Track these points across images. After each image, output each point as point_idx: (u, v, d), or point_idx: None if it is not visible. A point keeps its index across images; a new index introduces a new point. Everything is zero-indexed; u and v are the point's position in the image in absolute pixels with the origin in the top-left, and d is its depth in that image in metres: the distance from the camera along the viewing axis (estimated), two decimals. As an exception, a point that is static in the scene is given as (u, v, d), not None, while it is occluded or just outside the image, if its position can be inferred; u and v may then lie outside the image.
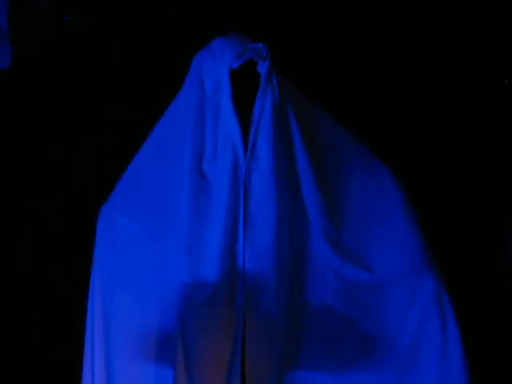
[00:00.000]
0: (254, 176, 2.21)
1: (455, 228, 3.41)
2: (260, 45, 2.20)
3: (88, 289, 2.45)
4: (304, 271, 2.27)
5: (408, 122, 3.44)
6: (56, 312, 3.41)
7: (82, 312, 2.49)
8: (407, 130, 3.43)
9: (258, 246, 2.21)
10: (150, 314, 2.29)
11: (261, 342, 2.22)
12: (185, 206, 2.22)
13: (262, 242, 2.21)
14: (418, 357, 2.28)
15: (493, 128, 3.46)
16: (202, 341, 2.20)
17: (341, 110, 2.53)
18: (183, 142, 2.24)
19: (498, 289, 3.38)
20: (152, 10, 3.45)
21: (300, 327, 2.28)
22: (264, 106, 2.20)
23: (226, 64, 2.18)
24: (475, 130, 3.46)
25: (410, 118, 3.44)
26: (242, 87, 2.20)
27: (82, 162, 3.44)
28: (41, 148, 3.44)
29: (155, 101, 2.58)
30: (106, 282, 2.35)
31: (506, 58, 3.43)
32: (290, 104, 2.25)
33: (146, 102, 3.30)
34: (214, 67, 2.21)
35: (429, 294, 2.26)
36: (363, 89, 3.43)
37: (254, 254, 2.21)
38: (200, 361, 2.20)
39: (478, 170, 3.46)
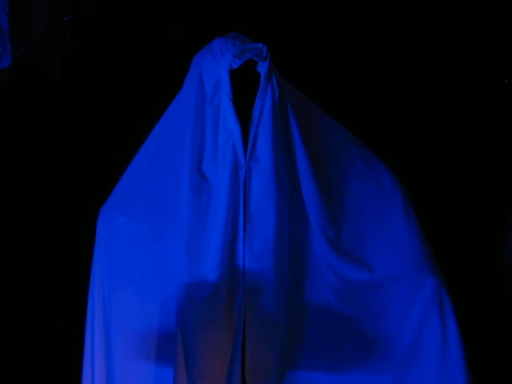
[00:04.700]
0: (254, 176, 2.21)
1: (455, 227, 3.42)
2: (260, 45, 2.20)
3: (88, 288, 2.45)
4: (304, 271, 2.27)
5: (408, 122, 3.44)
6: (56, 312, 3.41)
7: (82, 312, 2.49)
8: (407, 130, 3.43)
9: (257, 245, 2.21)
10: (150, 314, 2.29)
11: (261, 341, 2.22)
12: (185, 206, 2.22)
13: (262, 241, 2.21)
14: (417, 356, 2.28)
15: (493, 128, 3.46)
16: (202, 340, 2.20)
17: (341, 110, 2.53)
18: (183, 141, 2.24)
19: (498, 288, 3.38)
20: (152, 10, 3.45)
21: (300, 327, 2.28)
22: (264, 106, 2.20)
23: (226, 64, 2.18)
24: (475, 129, 3.46)
25: (409, 118, 3.44)
26: (242, 87, 2.20)
27: (82, 162, 3.45)
28: (41, 148, 3.44)
29: (155, 101, 2.58)
30: (105, 281, 2.35)
31: (506, 58, 3.43)
32: (290, 104, 2.25)
33: (146, 102, 3.30)
34: (214, 67, 2.21)
35: (429, 294, 2.26)
36: (363, 89, 3.43)
37: (253, 253, 2.21)
38: (200, 360, 2.20)
39: (478, 170, 3.46)
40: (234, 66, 2.19)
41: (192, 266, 2.21)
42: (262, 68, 2.20)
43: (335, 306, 2.28)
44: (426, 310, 2.26)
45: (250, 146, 2.20)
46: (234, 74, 2.19)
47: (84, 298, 2.47)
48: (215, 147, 2.22)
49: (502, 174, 3.45)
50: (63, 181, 3.44)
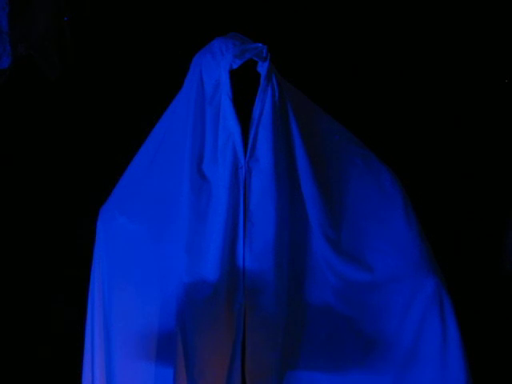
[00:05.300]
0: (254, 176, 2.21)
1: (455, 227, 3.42)
2: (260, 45, 2.20)
3: (88, 288, 2.45)
4: (304, 271, 2.27)
5: (408, 122, 3.44)
6: (56, 312, 3.41)
7: (82, 312, 2.49)
8: (407, 130, 3.44)
9: (257, 245, 2.21)
10: (150, 314, 2.29)
11: (261, 341, 2.22)
12: (185, 206, 2.22)
13: (262, 241, 2.21)
14: (418, 356, 2.28)
15: (493, 128, 3.46)
16: (202, 340, 2.20)
17: (341, 110, 2.53)
18: (183, 141, 2.24)
19: (498, 288, 3.38)
20: (152, 10, 3.45)
21: (300, 327, 2.28)
22: (264, 106, 2.20)
23: (226, 64, 2.18)
24: (475, 129, 3.46)
25: (409, 118, 3.45)
26: (242, 87, 2.20)
27: (82, 161, 3.45)
28: (41, 148, 3.44)
29: (155, 101, 2.58)
30: (106, 281, 2.35)
31: (505, 58, 3.43)
32: (290, 104, 2.25)
33: (146, 102, 3.30)
34: (214, 67, 2.21)
35: (429, 294, 2.26)
36: (363, 89, 3.43)
37: (253, 253, 2.21)
38: (200, 360, 2.20)
39: (478, 170, 3.46)
40: (234, 66, 2.18)
41: (192, 266, 2.21)
42: (262, 68, 2.19)
43: (335, 306, 2.28)
44: (425, 310, 2.26)
45: (250, 146, 2.20)
46: (234, 74, 2.19)
47: (84, 298, 2.47)
48: (215, 147, 2.22)
49: (502, 173, 3.45)
50: (63, 181, 3.44)
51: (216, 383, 2.22)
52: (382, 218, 2.31)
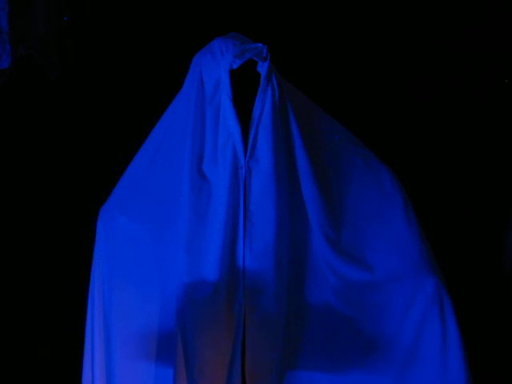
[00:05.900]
0: (254, 176, 2.21)
1: (455, 227, 3.42)
2: (260, 45, 2.20)
3: (88, 288, 2.45)
4: (304, 271, 2.27)
5: (408, 122, 3.45)
6: (56, 312, 3.41)
7: (82, 312, 2.49)
8: (407, 130, 3.44)
9: (257, 245, 2.21)
10: (150, 314, 2.29)
11: (261, 341, 2.22)
12: (185, 206, 2.22)
13: (262, 241, 2.21)
14: (418, 356, 2.28)
15: (493, 128, 3.46)
16: (202, 340, 2.20)
17: (341, 110, 2.53)
18: (183, 141, 2.24)
19: (498, 288, 3.38)
20: (152, 10, 3.45)
21: (300, 327, 2.28)
22: (264, 106, 2.20)
23: (226, 64, 2.18)
24: (475, 129, 3.46)
25: (409, 118, 3.45)
26: (242, 87, 2.20)
27: (82, 161, 3.45)
28: (41, 148, 3.44)
29: (155, 101, 2.58)
30: (106, 281, 2.35)
31: (506, 58, 3.44)
32: (290, 104, 2.25)
33: (146, 102, 3.30)
34: (214, 67, 2.21)
35: (429, 294, 2.26)
36: (363, 89, 3.43)
37: (253, 253, 2.21)
38: (200, 360, 2.20)
39: (478, 170, 3.46)
40: (234, 66, 2.19)
41: (192, 266, 2.21)
42: (262, 68, 2.20)
43: (335, 305, 2.28)
44: (426, 310, 2.26)
45: (250, 146, 2.20)
46: (234, 74, 2.19)
47: (84, 298, 2.47)
48: (215, 147, 2.22)
49: (502, 173, 3.45)
50: (63, 181, 3.44)
51: (216, 383, 2.22)
52: (381, 218, 2.31)
